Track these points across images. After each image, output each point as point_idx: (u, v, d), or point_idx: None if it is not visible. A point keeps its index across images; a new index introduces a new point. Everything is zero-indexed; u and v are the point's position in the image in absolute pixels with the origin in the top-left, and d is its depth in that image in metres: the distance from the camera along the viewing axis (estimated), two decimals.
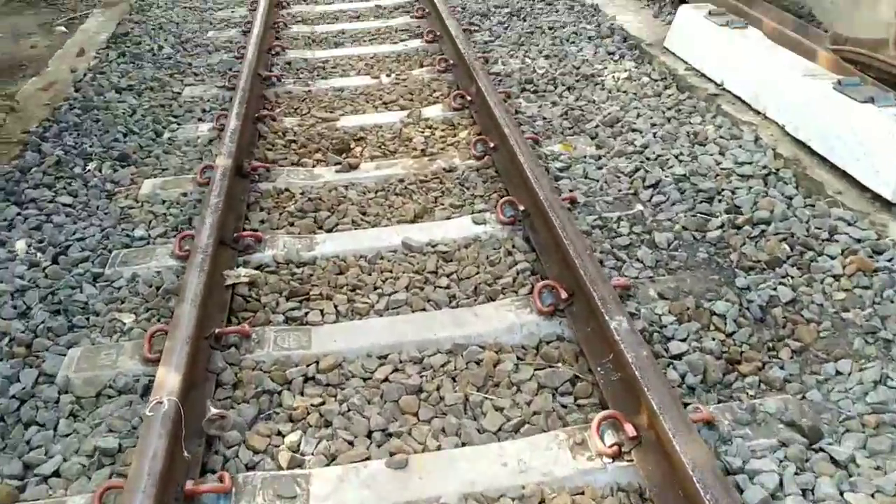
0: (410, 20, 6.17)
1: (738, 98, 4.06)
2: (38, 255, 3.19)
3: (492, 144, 3.87)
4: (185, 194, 3.66)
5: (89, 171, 3.86)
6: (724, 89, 4.19)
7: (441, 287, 2.96)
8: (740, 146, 3.70)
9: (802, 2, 5.33)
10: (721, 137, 3.80)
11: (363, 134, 4.25)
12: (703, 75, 4.41)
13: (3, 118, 4.41)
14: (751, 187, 3.37)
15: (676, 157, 3.69)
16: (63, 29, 6.30)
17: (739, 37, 4.19)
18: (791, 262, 2.89)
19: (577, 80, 4.68)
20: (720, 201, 3.30)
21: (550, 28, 5.57)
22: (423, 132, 4.26)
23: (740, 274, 2.87)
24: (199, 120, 4.51)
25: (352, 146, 4.12)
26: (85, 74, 5.05)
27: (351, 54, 5.54)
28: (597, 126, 4.09)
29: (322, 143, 4.15)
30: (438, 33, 5.60)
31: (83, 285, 3.00)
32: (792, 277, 2.81)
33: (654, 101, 4.30)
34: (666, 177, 3.52)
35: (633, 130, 3.99)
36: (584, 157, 3.80)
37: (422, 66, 5.28)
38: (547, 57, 5.09)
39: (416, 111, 4.46)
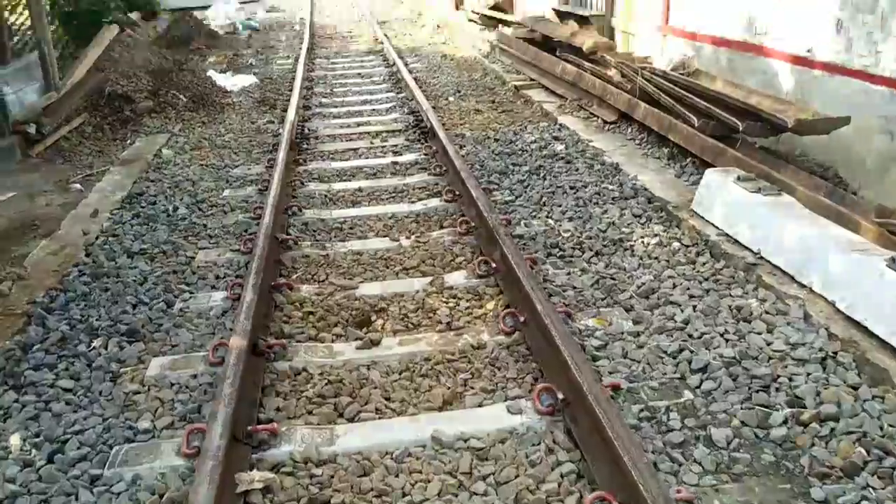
0: (428, 178, 6.13)
1: (779, 269, 3.88)
2: (33, 451, 2.90)
3: (522, 318, 3.66)
4: (195, 376, 3.41)
5: (94, 348, 3.63)
6: (761, 258, 4.02)
7: (478, 494, 2.65)
8: (789, 324, 3.47)
9: (829, 162, 5.28)
10: (767, 313, 3.58)
11: (384, 304, 4.04)
12: (736, 242, 4.25)
13: (10, 286, 4.24)
14: (809, 373, 3.11)
15: (722, 335, 3.45)
16: (79, 187, 6.27)
17: (775, 205, 4.06)
18: (870, 469, 2.58)
19: (605, 245, 4.53)
20: (778, 390, 3.04)
21: (572, 188, 5.50)
22: (447, 302, 4.06)
23: (815, 483, 2.56)
24: (213, 288, 4.33)
25: (373, 319, 3.91)
26: (97, 237, 4.94)
27: (369, 214, 5.45)
28: (631, 297, 3.88)
29: (341, 315, 3.94)
30: (458, 192, 5.53)
31: (79, 490, 2.69)
32: (874, 489, 2.50)
33: (689, 270, 4.12)
34: (714, 359, 3.27)
35: (671, 303, 3.78)
36: (622, 333, 3.57)
37: (442, 227, 5.16)
38: (571, 219, 4.98)
39: (439, 279, 4.29)
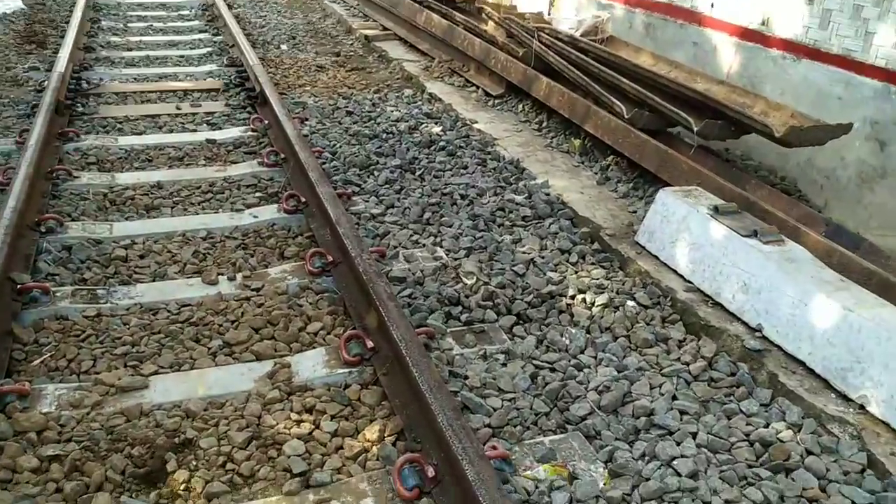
0: (259, 170, 4.39)
1: (800, 363, 2.64)
2: None
3: (432, 463, 2.17)
4: None
5: None
6: (764, 338, 2.76)
7: None
8: (846, 474, 2.23)
9: (783, 170, 4.15)
10: (812, 453, 2.32)
11: (190, 429, 2.38)
12: (717, 304, 2.98)
13: None
14: None
15: None
16: None
17: (784, 260, 2.80)
18: None
19: (530, 303, 3.10)
20: None
21: (464, 197, 4.00)
22: (299, 418, 2.47)
23: None
24: None
25: (167, 463, 2.25)
26: None
27: (171, 229, 3.67)
28: (591, 413, 2.50)
29: (113, 461, 2.24)
30: (303, 199, 3.87)
31: None
32: None
33: (662, 356, 2.80)
34: None
35: (657, 426, 2.43)
36: (596, 497, 2.18)
37: (283, 257, 3.51)
38: (471, 251, 3.49)
39: (284, 369, 2.68)
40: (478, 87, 5.71)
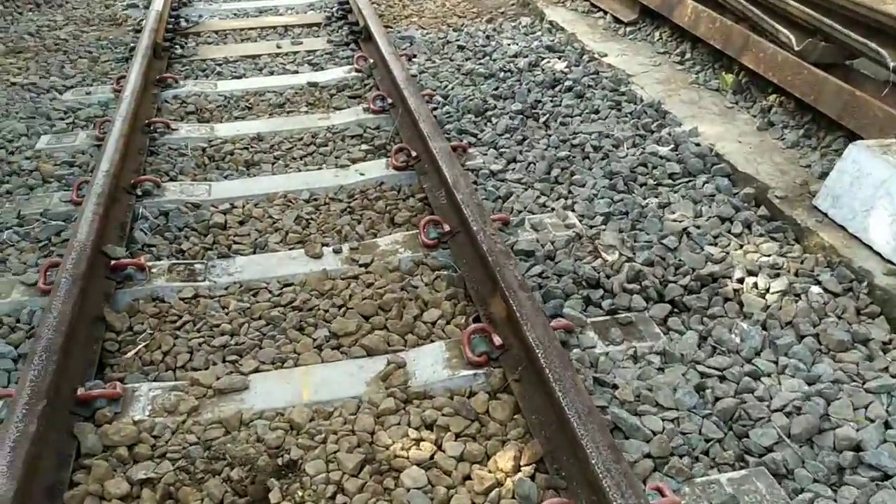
0: (364, 117, 3.97)
1: None
2: None
3: None
4: None
5: None
6: None
7: None
8: None
9: None
10: None
11: (294, 448, 2.06)
12: None
13: None
14: None
15: None
16: None
17: None
18: None
19: (688, 288, 2.58)
20: None
21: (598, 148, 3.46)
22: (419, 436, 2.10)
23: None
24: None
25: (270, 492, 1.94)
26: None
27: (271, 191, 3.33)
28: (777, 443, 2.00)
29: (210, 487, 1.95)
30: (414, 154, 3.44)
31: None
32: None
33: (865, 365, 2.24)
34: None
35: (868, 466, 1.92)
36: None
37: (393, 223, 3.12)
38: (609, 217, 2.98)
39: (398, 370, 2.31)
40: (606, 13, 5.03)
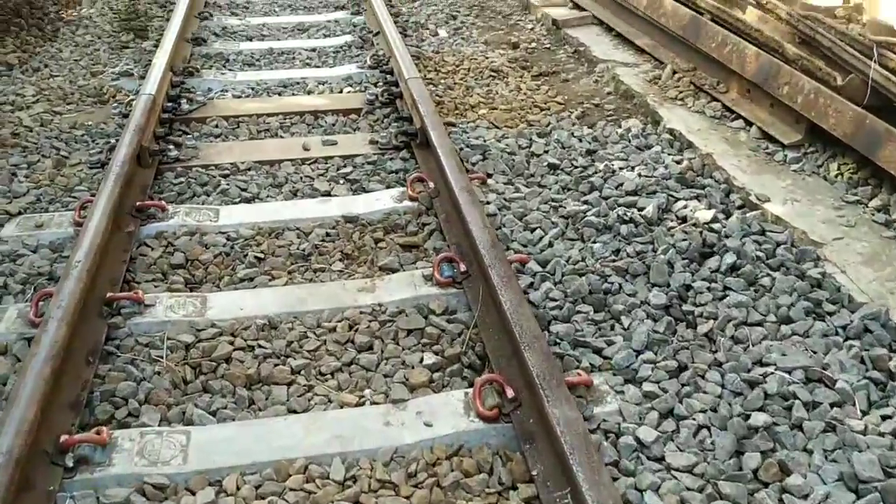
0: (429, 292, 2.70)
1: None
2: None
3: None
4: None
5: None
6: None
7: None
8: None
9: None
10: None
11: None
12: None
13: None
14: None
15: None
16: None
17: None
18: None
19: None
20: None
21: (810, 406, 2.14)
22: None
23: None
24: None
25: None
26: None
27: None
28: None
29: None
30: (510, 394, 2.16)
31: None
32: None
33: None
34: None
35: None
36: None
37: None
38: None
39: None
40: (750, 124, 3.73)
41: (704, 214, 3.02)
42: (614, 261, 2.81)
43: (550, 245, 2.95)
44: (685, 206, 3.10)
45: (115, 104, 4.27)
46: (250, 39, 5.48)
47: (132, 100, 4.18)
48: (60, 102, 4.29)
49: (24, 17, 5.35)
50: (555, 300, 2.62)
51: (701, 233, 2.89)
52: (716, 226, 2.94)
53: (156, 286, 2.80)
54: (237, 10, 6.14)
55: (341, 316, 2.64)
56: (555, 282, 2.73)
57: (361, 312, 2.66)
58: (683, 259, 2.77)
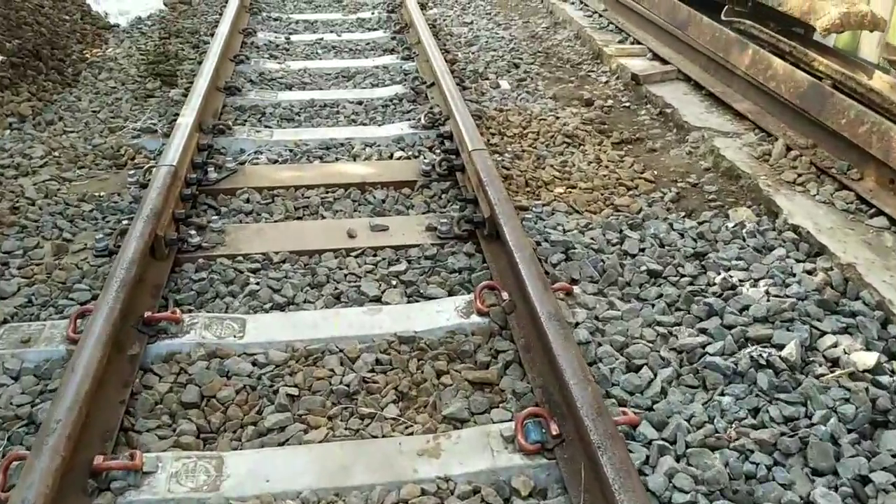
0: (514, 464, 2.05)
1: None
2: None
3: None
4: None
5: None
6: None
7: None
8: None
9: None
10: None
11: None
12: None
13: None
14: None
15: None
16: None
17: None
18: None
19: None
20: None
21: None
22: None
23: None
24: None
25: None
26: None
27: None
28: None
29: None
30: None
31: None
32: None
33: None
34: None
35: None
36: None
37: None
38: None
39: None
40: (893, 222, 3.04)
41: (864, 358, 2.33)
42: (755, 427, 2.13)
43: (663, 393, 2.29)
44: (835, 344, 2.41)
45: (133, 170, 3.70)
46: (290, 88, 4.91)
47: (152, 166, 3.62)
48: (71, 166, 3.74)
49: (43, 60, 4.84)
50: (683, 491, 1.96)
51: (867, 389, 2.21)
52: (884, 379, 2.25)
53: (159, 437, 2.20)
54: (276, 52, 5.59)
55: (397, 497, 2.01)
56: (677, 456, 2.07)
57: (424, 491, 2.02)
58: (850, 432, 2.08)
